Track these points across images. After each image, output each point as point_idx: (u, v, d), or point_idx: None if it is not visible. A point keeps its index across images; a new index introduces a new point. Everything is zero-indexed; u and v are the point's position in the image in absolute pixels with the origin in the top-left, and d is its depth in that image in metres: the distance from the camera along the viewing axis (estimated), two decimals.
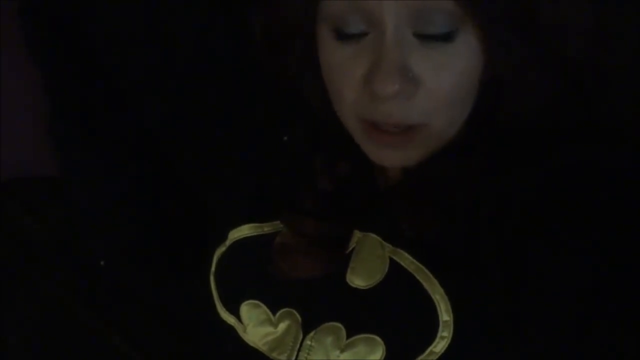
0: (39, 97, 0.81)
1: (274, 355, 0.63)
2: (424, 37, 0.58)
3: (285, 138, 0.71)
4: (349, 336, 0.61)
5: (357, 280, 0.63)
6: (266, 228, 0.68)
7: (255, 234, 0.68)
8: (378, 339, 0.60)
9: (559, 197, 0.59)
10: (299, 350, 0.62)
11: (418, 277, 0.60)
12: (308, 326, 0.63)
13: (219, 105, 0.75)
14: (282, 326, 0.64)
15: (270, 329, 0.64)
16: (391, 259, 0.62)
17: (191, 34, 0.76)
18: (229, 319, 0.67)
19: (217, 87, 0.75)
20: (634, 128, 0.63)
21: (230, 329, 0.67)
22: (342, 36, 0.60)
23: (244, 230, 0.68)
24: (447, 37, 0.57)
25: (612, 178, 0.58)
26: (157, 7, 0.75)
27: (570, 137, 0.61)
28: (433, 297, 0.59)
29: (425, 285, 0.60)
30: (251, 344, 0.65)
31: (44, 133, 0.82)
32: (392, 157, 0.63)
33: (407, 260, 0.61)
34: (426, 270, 0.60)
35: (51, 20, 0.78)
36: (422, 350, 0.58)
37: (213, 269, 0.69)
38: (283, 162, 0.70)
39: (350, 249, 0.65)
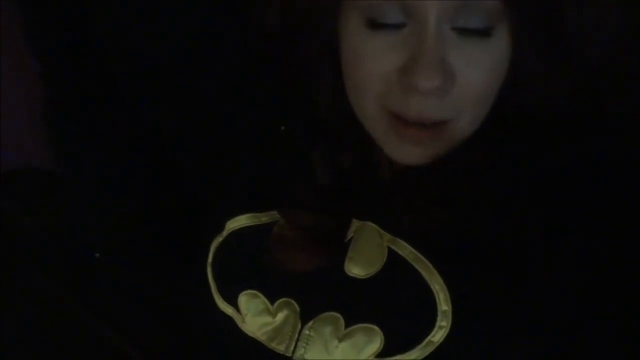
0: (36, 91, 0.81)
1: (272, 345, 0.63)
2: (463, 32, 0.58)
3: (283, 128, 0.70)
4: (347, 326, 0.61)
5: (356, 269, 0.63)
6: (264, 218, 0.67)
7: (252, 224, 0.68)
8: (376, 328, 0.60)
9: (563, 191, 0.59)
10: (297, 340, 0.62)
11: (417, 267, 0.60)
12: (306, 316, 0.63)
13: (216, 96, 0.74)
14: (281, 316, 0.64)
15: (268, 318, 0.64)
16: (389, 248, 0.62)
17: (189, 24, 0.75)
18: (227, 309, 0.66)
19: (215, 77, 0.74)
20: None
21: (229, 319, 0.66)
22: (377, 26, 0.59)
23: (242, 220, 0.68)
24: (484, 33, 0.58)
25: (613, 175, 0.59)
26: None
27: (579, 134, 0.62)
28: (432, 286, 0.59)
29: (424, 274, 0.60)
30: (250, 334, 0.65)
31: (39, 126, 0.82)
32: (412, 154, 0.62)
33: (405, 250, 0.61)
34: (425, 260, 0.60)
35: (50, 11, 0.78)
36: (421, 340, 0.58)
37: (210, 259, 0.69)
38: (281, 152, 0.70)
39: (349, 238, 0.64)
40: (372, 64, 0.60)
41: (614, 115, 0.63)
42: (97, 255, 0.83)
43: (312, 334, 0.62)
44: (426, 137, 0.61)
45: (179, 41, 0.75)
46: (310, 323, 0.62)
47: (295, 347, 0.62)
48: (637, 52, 0.63)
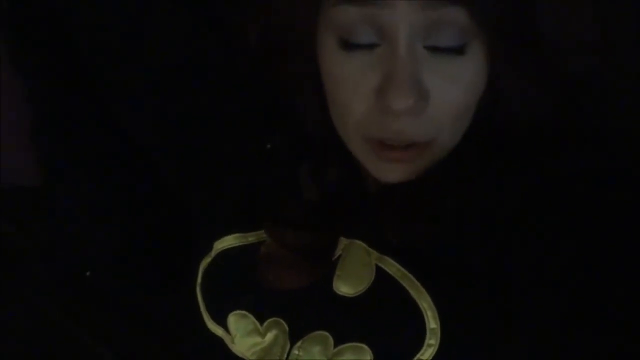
0: (25, 109, 0.81)
1: None
2: (436, 50, 0.57)
3: (269, 146, 0.70)
4: (336, 345, 0.61)
5: (344, 287, 0.62)
6: (250, 238, 0.67)
7: (240, 244, 0.67)
8: (365, 347, 0.60)
9: (548, 205, 0.59)
10: None
11: (404, 285, 0.60)
12: (295, 335, 0.62)
13: (202, 114, 0.74)
14: (270, 336, 0.63)
15: (257, 339, 0.64)
16: (377, 266, 0.62)
17: (176, 41, 0.75)
18: (217, 330, 0.66)
19: (201, 95, 0.74)
20: (631, 137, 0.63)
21: (219, 340, 0.66)
22: (350, 47, 0.59)
23: (229, 241, 0.68)
24: (458, 50, 0.57)
25: (603, 186, 0.59)
26: (142, 14, 0.75)
27: (565, 147, 0.61)
28: (420, 304, 0.59)
29: (412, 292, 0.60)
30: (239, 354, 0.65)
31: (27, 142, 0.82)
32: (396, 172, 0.62)
33: (393, 268, 0.61)
34: (412, 278, 0.60)
35: (34, 29, 0.78)
36: (410, 358, 0.58)
37: (199, 280, 0.69)
38: (267, 170, 0.70)
39: (337, 256, 0.64)
40: (349, 87, 0.60)
41: (595, 127, 0.63)
42: (88, 273, 0.82)
43: (301, 353, 0.62)
44: (406, 157, 0.61)
45: (164, 60, 0.75)
46: (299, 343, 0.62)
47: None
48: (613, 62, 0.63)
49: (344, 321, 0.62)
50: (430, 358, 0.58)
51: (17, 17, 0.78)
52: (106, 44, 0.76)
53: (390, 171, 0.62)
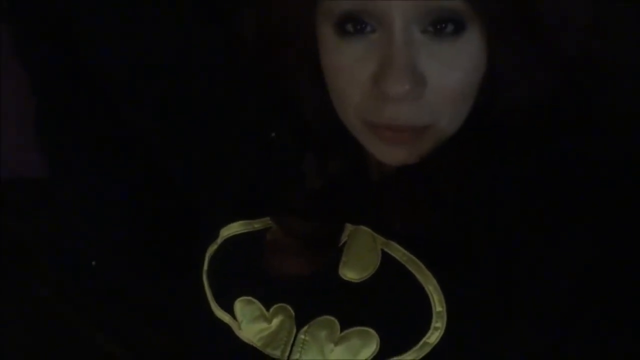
0: (29, 101, 0.81)
1: (268, 350, 0.63)
2: (432, 35, 0.57)
3: (274, 134, 0.70)
4: (342, 329, 0.61)
5: (350, 273, 0.63)
6: (256, 225, 0.68)
7: (245, 230, 0.68)
8: (372, 331, 0.60)
9: (552, 189, 0.59)
10: (292, 345, 0.62)
11: (410, 269, 0.60)
12: (302, 321, 0.63)
13: (205, 103, 0.74)
14: (276, 321, 0.64)
15: (264, 324, 0.64)
16: (383, 251, 0.62)
17: (178, 33, 0.75)
18: (224, 316, 0.67)
19: (205, 85, 0.74)
20: (631, 122, 0.63)
21: (225, 326, 0.66)
22: (347, 35, 0.59)
23: (235, 228, 0.68)
24: (453, 35, 0.57)
25: (605, 172, 0.59)
26: (144, 6, 0.75)
27: (566, 131, 0.61)
28: (426, 288, 0.59)
29: (418, 276, 0.60)
30: (246, 340, 0.65)
31: (33, 135, 0.82)
32: (398, 154, 0.62)
33: (399, 252, 0.62)
34: (418, 262, 0.60)
35: (38, 23, 0.78)
36: (416, 342, 0.59)
37: (205, 267, 0.69)
38: (272, 158, 0.70)
39: (342, 242, 0.65)
40: (347, 75, 0.60)
41: (598, 111, 0.63)
42: (94, 263, 0.83)
43: (307, 338, 0.62)
44: (407, 139, 0.61)
45: (167, 50, 0.75)
46: (305, 327, 0.62)
47: (291, 352, 0.62)
48: (613, 44, 0.63)
49: (350, 306, 0.62)
50: (437, 341, 0.58)
51: (21, 10, 0.79)
52: (109, 36, 0.77)
53: (392, 153, 0.62)
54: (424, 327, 0.59)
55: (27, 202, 0.93)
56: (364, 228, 0.64)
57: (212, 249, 0.69)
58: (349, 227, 0.65)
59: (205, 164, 0.75)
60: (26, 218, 0.93)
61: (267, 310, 0.64)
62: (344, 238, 0.65)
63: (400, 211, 0.63)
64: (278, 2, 0.64)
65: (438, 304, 0.59)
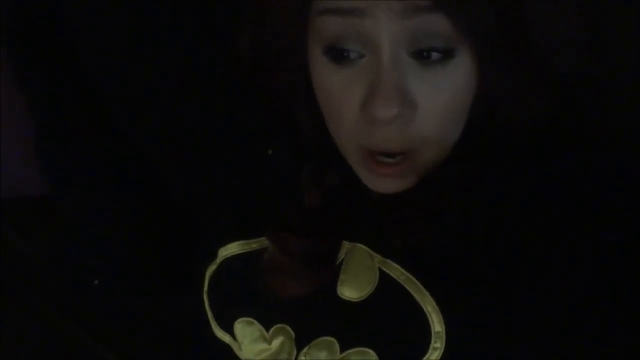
0: (30, 120, 0.81)
1: None
2: (421, 59, 0.57)
3: (271, 152, 0.70)
4: (342, 350, 0.61)
5: (348, 292, 0.62)
6: (254, 245, 0.68)
7: (243, 251, 0.68)
8: (371, 352, 0.60)
9: (549, 205, 0.58)
10: None
11: (408, 288, 0.60)
12: (301, 341, 0.63)
13: (204, 122, 0.74)
14: (276, 342, 0.64)
15: (264, 345, 0.64)
16: (381, 270, 0.62)
17: (177, 52, 0.75)
18: (224, 337, 0.67)
19: (203, 103, 0.74)
20: (627, 135, 0.63)
21: (226, 347, 0.67)
22: (337, 60, 0.59)
23: (233, 248, 0.68)
24: (442, 58, 0.57)
25: (602, 187, 0.58)
26: (142, 24, 0.75)
27: (563, 146, 0.61)
28: (424, 308, 0.59)
29: (416, 296, 0.60)
30: None
31: (31, 153, 0.82)
32: (388, 185, 0.62)
33: (396, 271, 0.61)
34: (416, 281, 0.60)
35: (34, 42, 0.78)
36: None
37: (206, 288, 0.69)
38: (269, 176, 0.70)
39: (340, 260, 0.64)
40: (338, 98, 0.60)
41: (592, 125, 0.63)
42: (96, 282, 0.83)
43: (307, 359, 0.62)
44: (397, 172, 0.61)
45: (165, 69, 0.75)
46: (305, 349, 0.62)
47: None
48: (606, 61, 0.63)
49: (349, 326, 0.62)
50: None
51: (18, 29, 0.79)
52: (107, 54, 0.76)
53: (382, 184, 0.62)
54: (423, 347, 0.59)
55: (29, 220, 0.93)
56: (361, 246, 0.64)
57: (211, 270, 0.69)
58: (346, 245, 0.65)
59: (203, 182, 0.75)
60: (28, 236, 0.93)
61: (267, 330, 0.64)
62: (341, 256, 0.64)
63: (398, 229, 0.63)
64: (270, 22, 0.64)
65: (437, 324, 0.59)
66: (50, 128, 0.80)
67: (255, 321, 0.65)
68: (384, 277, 0.62)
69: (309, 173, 0.68)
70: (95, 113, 0.79)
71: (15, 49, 0.79)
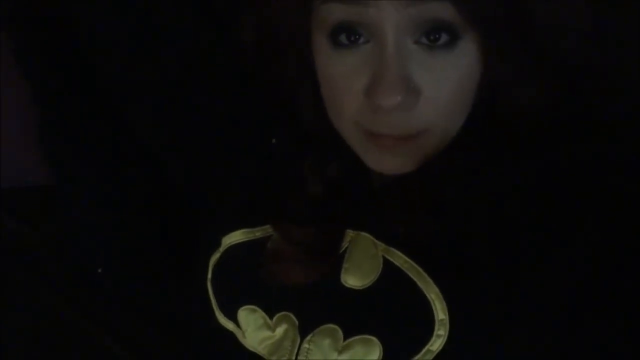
0: (33, 108, 0.81)
1: (273, 358, 0.64)
2: (425, 46, 0.57)
3: (274, 140, 0.70)
4: (345, 338, 0.61)
5: (352, 280, 0.63)
6: (258, 233, 0.68)
7: (247, 239, 0.68)
8: (375, 339, 0.60)
9: (553, 194, 0.59)
10: (297, 354, 0.63)
11: (412, 276, 0.60)
12: (305, 329, 0.63)
13: (207, 111, 0.74)
14: (280, 330, 0.64)
15: (268, 333, 0.65)
16: (384, 258, 0.62)
17: (180, 42, 0.75)
18: (228, 324, 0.67)
19: (206, 93, 0.74)
20: (632, 126, 0.62)
21: (230, 334, 0.67)
22: (341, 46, 0.59)
23: (237, 236, 0.68)
24: (447, 46, 0.57)
25: (606, 176, 0.58)
26: (146, 14, 0.75)
27: (566, 134, 0.61)
28: (428, 295, 0.59)
29: (420, 284, 0.60)
30: (251, 348, 0.65)
31: (34, 142, 0.82)
32: (392, 164, 0.62)
33: (400, 259, 0.62)
34: (419, 269, 0.60)
35: (37, 30, 0.78)
36: (419, 350, 0.59)
37: (209, 275, 0.69)
38: (272, 165, 0.70)
39: (343, 249, 0.65)
40: (341, 85, 0.60)
41: (596, 115, 0.63)
42: (100, 270, 0.83)
43: (311, 347, 0.62)
44: (402, 146, 0.60)
45: (168, 59, 0.75)
46: (309, 336, 0.62)
47: None
48: (611, 49, 0.63)
49: (353, 314, 0.62)
50: (440, 349, 0.58)
51: (21, 18, 0.79)
52: (110, 44, 0.77)
53: (386, 162, 0.62)
54: (427, 334, 0.59)
55: (32, 209, 0.94)
56: (364, 234, 0.64)
57: (215, 258, 0.69)
58: (349, 234, 0.65)
59: (206, 171, 0.75)
60: (32, 225, 0.93)
61: (270, 318, 0.65)
62: (344, 245, 0.65)
63: (401, 217, 0.63)
64: (274, 9, 0.64)
65: (440, 312, 0.59)
66: (53, 116, 0.80)
67: (258, 309, 0.65)
68: (387, 265, 0.62)
69: (312, 163, 0.68)
70: (98, 101, 0.79)
71: (19, 37, 0.79)
